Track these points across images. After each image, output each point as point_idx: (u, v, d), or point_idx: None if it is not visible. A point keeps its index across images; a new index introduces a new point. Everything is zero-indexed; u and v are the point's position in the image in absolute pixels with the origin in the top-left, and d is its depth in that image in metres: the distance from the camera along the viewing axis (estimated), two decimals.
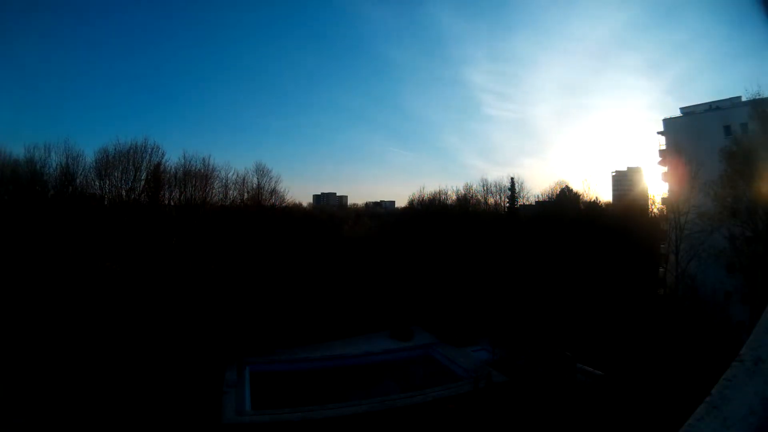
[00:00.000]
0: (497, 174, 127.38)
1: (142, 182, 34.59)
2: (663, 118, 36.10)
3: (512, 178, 46.19)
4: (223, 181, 38.41)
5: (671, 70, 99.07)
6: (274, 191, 40.27)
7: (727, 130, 30.61)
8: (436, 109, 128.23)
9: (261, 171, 40.02)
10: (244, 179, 39.45)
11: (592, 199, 43.97)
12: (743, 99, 30.24)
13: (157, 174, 35.04)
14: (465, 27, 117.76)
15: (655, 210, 37.92)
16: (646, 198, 41.41)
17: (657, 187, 38.30)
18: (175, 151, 78.04)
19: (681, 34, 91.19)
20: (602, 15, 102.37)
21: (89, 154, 34.50)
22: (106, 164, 33.76)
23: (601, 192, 70.35)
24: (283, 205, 41.88)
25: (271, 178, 40.23)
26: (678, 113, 35.59)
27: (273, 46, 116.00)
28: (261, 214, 38.12)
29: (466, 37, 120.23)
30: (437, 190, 53.05)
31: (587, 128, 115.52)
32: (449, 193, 51.19)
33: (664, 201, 35.46)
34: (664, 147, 35.69)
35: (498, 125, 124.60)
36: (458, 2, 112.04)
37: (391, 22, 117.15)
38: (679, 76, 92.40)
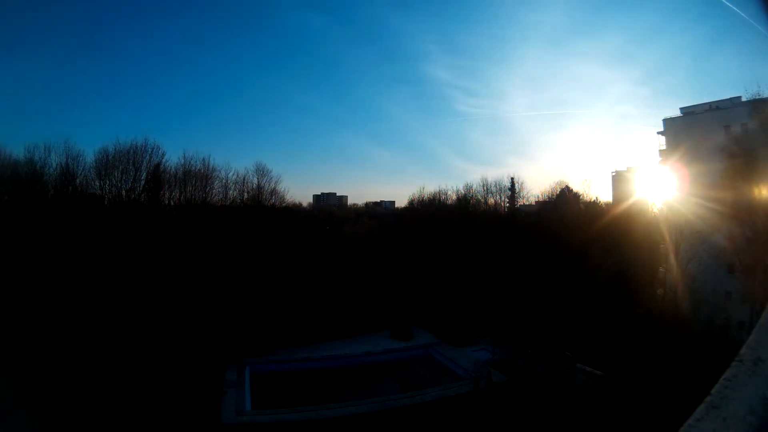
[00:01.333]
0: (481, 174, 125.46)
1: (142, 182, 34.66)
2: (663, 118, 36.17)
3: (512, 178, 46.30)
4: (223, 181, 38.55)
5: (641, 59, 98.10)
6: (274, 191, 40.35)
7: (727, 129, 30.62)
8: (415, 112, 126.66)
9: (261, 171, 40.03)
10: (244, 179, 39.55)
11: (592, 200, 44.02)
12: (743, 99, 30.28)
13: (157, 174, 35.06)
14: (417, 26, 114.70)
15: (655, 210, 37.93)
16: (646, 198, 41.42)
17: (657, 187, 38.35)
18: (175, 151, 77.68)
19: (646, 19, 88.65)
20: None
21: (89, 154, 34.59)
22: (106, 164, 33.82)
23: (601, 192, 70.30)
24: (283, 205, 41.95)
25: (271, 178, 40.29)
26: (677, 112, 35.63)
27: (268, 48, 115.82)
28: (261, 214, 38.14)
29: (421, 36, 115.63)
30: (437, 190, 53.10)
31: (564, 123, 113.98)
32: (449, 193, 51.28)
33: (664, 201, 35.48)
34: (664, 147, 35.71)
35: (474, 124, 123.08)
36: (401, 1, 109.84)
37: (341, 29, 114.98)
38: (651, 66, 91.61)
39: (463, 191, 49.21)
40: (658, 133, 36.27)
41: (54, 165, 32.75)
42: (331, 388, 26.76)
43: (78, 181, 33.54)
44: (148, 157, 34.78)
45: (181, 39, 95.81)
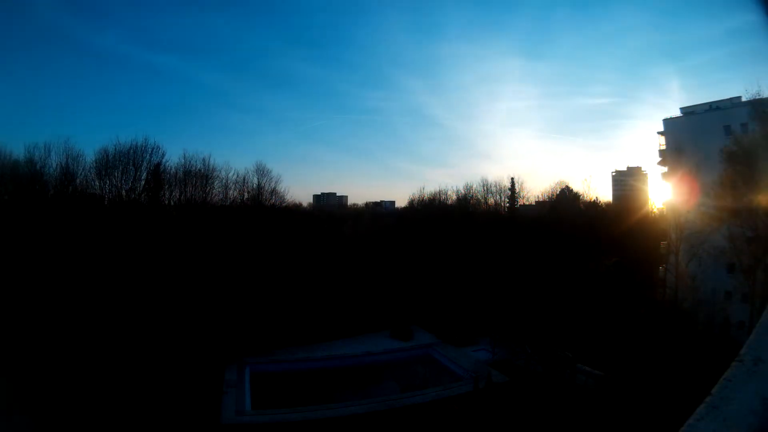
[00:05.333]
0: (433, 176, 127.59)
1: (142, 182, 34.60)
2: (663, 118, 36.17)
3: (512, 179, 46.38)
4: (223, 181, 38.49)
5: (515, 28, 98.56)
6: (274, 191, 40.32)
7: (727, 130, 30.62)
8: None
9: (261, 171, 40.05)
10: (244, 179, 39.52)
11: (592, 200, 44.04)
12: (743, 99, 30.29)
13: (157, 174, 35.02)
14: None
15: (655, 210, 37.96)
16: (646, 198, 41.46)
17: (657, 187, 38.39)
18: (175, 151, 77.92)
19: None
20: None
21: (89, 154, 34.54)
22: (106, 164, 33.75)
23: (602, 192, 70.54)
24: (283, 205, 41.95)
25: (271, 178, 40.25)
26: (677, 113, 35.63)
27: (265, 48, 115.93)
28: (261, 214, 38.12)
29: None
30: (437, 190, 53.26)
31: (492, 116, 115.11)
32: (449, 193, 51.44)
33: (664, 201, 35.50)
34: (663, 147, 35.69)
35: (392, 118, 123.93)
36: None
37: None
38: (535, 38, 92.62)
39: (463, 191, 49.42)
40: (658, 133, 36.28)
41: (54, 165, 32.74)
42: (332, 388, 26.73)
43: (78, 181, 33.53)
44: (148, 157, 34.74)
45: (179, 38, 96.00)
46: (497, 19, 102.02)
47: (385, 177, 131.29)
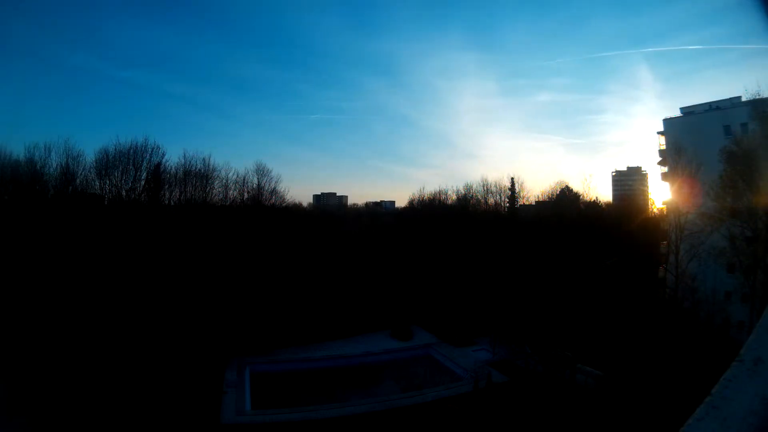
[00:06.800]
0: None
1: (142, 182, 34.61)
2: (663, 118, 36.19)
3: (512, 178, 46.39)
4: (223, 181, 38.52)
5: (457, 20, 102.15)
6: (274, 191, 40.34)
7: (727, 130, 30.63)
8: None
9: (261, 171, 40.09)
10: (244, 179, 39.56)
11: (592, 199, 44.04)
12: (743, 99, 30.31)
13: (157, 174, 35.02)
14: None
15: (655, 210, 37.96)
16: (646, 198, 41.45)
17: (657, 186, 38.38)
18: (175, 151, 78.12)
19: None
20: None
21: (89, 154, 34.61)
22: (106, 164, 33.77)
23: (602, 191, 70.61)
24: (283, 205, 41.95)
25: (271, 178, 40.28)
26: (677, 112, 35.65)
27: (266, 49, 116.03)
28: (261, 214, 38.11)
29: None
30: (437, 189, 53.29)
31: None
32: (449, 193, 51.47)
33: (664, 201, 35.49)
34: (663, 147, 35.70)
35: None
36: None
37: None
38: (482, 30, 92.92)
39: (463, 191, 49.45)
40: (658, 133, 36.32)
41: (54, 165, 32.76)
42: (331, 388, 26.75)
43: (78, 181, 33.54)
44: (148, 157, 34.76)
45: (180, 39, 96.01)
46: (439, 13, 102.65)
47: (382, 178, 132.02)
